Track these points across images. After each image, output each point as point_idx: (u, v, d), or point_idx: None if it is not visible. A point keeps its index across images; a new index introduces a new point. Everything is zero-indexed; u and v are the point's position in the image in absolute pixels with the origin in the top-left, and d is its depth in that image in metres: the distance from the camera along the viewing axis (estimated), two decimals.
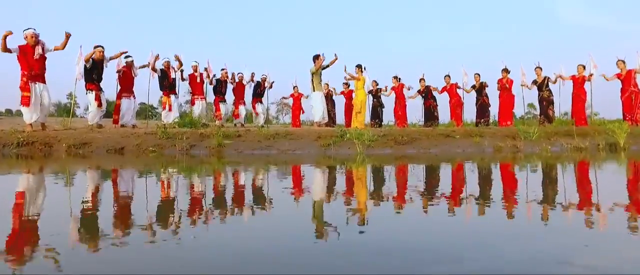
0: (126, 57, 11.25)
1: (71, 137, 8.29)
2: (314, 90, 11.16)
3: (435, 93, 13.54)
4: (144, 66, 11.76)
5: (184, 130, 8.92)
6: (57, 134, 8.60)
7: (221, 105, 13.30)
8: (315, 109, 11.29)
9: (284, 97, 15.68)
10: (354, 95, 14.62)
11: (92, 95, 10.30)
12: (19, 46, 8.67)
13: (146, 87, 12.26)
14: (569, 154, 6.77)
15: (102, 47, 10.46)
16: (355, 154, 7.08)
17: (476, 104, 13.06)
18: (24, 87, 8.81)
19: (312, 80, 11.19)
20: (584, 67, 11.99)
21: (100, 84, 10.54)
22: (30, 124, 9.09)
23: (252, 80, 13.99)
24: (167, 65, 11.87)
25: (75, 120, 16.34)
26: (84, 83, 10.41)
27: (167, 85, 11.90)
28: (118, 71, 11.16)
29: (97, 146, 7.98)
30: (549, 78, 12.16)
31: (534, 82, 12.35)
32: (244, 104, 13.90)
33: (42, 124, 9.27)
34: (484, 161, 5.69)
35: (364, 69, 11.68)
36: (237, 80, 13.65)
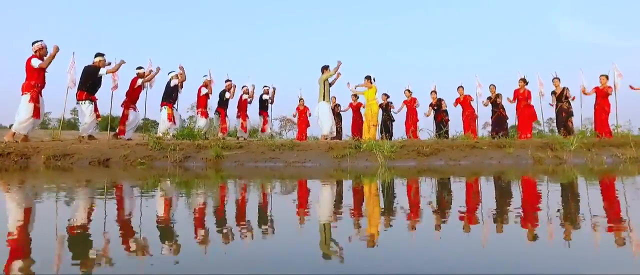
0: (138, 68, 10.22)
1: (52, 148, 7.02)
2: (323, 99, 9.88)
3: (446, 105, 12.28)
4: (147, 79, 10.59)
5: (179, 141, 7.66)
6: (38, 145, 7.33)
7: (226, 119, 12.05)
8: (322, 121, 9.97)
9: (290, 119, 14.30)
10: (363, 107, 13.43)
11: (91, 106, 9.09)
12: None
13: (143, 100, 11.16)
14: (630, 166, 5.47)
15: (104, 55, 9.32)
16: (375, 166, 5.81)
17: (492, 116, 11.76)
18: (36, 99, 7.99)
19: (320, 90, 9.94)
20: (607, 78, 10.76)
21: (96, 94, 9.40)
22: (14, 134, 7.95)
23: (251, 95, 12.74)
24: (175, 76, 10.71)
25: (73, 132, 15.14)
26: (77, 92, 9.22)
27: (175, 97, 10.72)
28: (141, 77, 10.08)
29: (79, 158, 6.70)
30: (567, 89, 10.90)
31: (553, 93, 11.09)
32: (248, 116, 12.65)
33: (25, 136, 8.02)
34: (543, 174, 4.39)
35: (374, 79, 10.40)
36: (241, 93, 12.43)
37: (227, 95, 11.97)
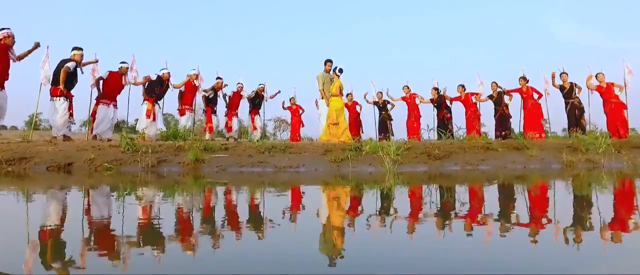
0: (122, 62, 9.03)
1: (8, 150, 5.88)
2: (322, 98, 8.70)
3: (449, 103, 11.22)
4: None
5: (158, 142, 6.56)
6: None
7: (212, 117, 10.87)
8: (324, 117, 8.69)
9: (284, 120, 12.96)
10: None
11: (65, 104, 7.90)
12: None
13: (126, 99, 10.01)
14: None
15: (82, 49, 8.16)
16: (380, 172, 4.75)
17: (495, 115, 10.71)
18: None
19: (320, 87, 8.72)
20: (604, 76, 9.71)
21: (72, 90, 8.23)
22: None
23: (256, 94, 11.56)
24: (167, 76, 9.53)
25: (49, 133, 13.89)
26: (51, 87, 8.05)
27: (158, 93, 9.49)
28: (123, 73, 8.90)
29: (37, 162, 5.57)
30: (576, 84, 9.85)
31: (561, 87, 10.00)
32: (237, 116, 11.44)
33: None
34: (605, 184, 3.35)
35: (340, 71, 9.01)
36: (235, 90, 11.26)
37: (222, 96, 10.92)
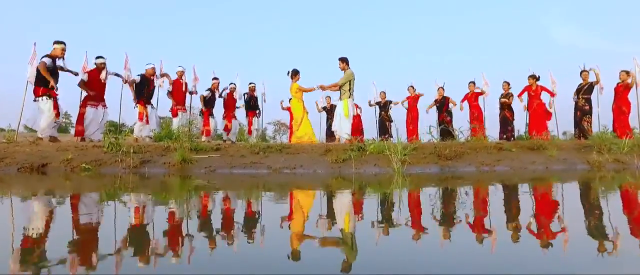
0: (97, 57, 8.35)
1: None
2: (340, 99, 7.86)
3: (451, 106, 10.55)
4: (118, 75, 8.74)
5: (146, 143, 5.98)
6: None
7: (210, 119, 10.26)
8: (341, 121, 7.69)
9: (284, 123, 12.35)
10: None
11: (49, 103, 7.25)
12: None
13: (118, 98, 9.40)
14: None
15: (64, 43, 7.55)
16: (386, 174, 4.16)
17: (499, 116, 10.09)
18: None
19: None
20: (628, 73, 9.12)
21: (57, 89, 7.60)
22: None
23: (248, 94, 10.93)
24: (152, 72, 8.88)
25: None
26: (34, 87, 7.43)
27: (146, 94, 8.86)
28: (100, 69, 8.26)
29: (8, 163, 4.97)
30: (593, 84, 9.14)
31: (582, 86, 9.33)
32: (236, 118, 10.83)
33: None
34: None
35: (289, 73, 8.34)
36: (228, 91, 10.65)
37: (218, 95, 10.29)
